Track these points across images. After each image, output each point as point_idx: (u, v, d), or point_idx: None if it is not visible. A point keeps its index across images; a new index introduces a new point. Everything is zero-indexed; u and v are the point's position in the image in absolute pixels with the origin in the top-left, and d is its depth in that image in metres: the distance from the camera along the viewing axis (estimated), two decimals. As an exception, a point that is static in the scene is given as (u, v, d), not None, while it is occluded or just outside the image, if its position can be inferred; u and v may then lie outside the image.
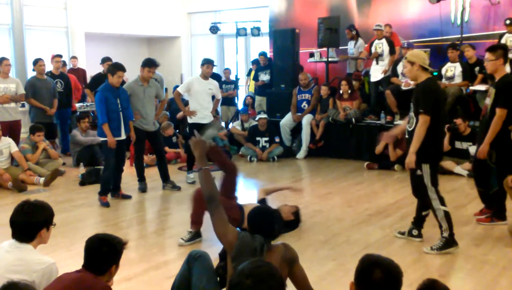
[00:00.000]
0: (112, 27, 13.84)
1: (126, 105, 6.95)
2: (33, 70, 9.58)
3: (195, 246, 5.05)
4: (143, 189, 7.61)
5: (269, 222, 3.38)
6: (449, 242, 4.83)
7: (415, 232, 5.23)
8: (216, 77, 12.91)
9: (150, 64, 7.37)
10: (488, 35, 9.98)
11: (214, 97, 8.31)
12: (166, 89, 14.56)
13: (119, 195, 7.15)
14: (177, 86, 11.97)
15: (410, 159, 4.76)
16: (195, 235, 5.32)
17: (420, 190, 4.97)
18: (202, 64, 8.05)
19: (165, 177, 7.76)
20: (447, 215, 4.82)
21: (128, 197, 7.17)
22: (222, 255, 3.54)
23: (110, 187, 7.00)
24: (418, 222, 5.23)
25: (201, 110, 7.98)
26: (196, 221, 5.31)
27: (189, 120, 8.11)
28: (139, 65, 12.96)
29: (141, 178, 7.68)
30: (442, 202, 4.84)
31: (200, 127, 8.10)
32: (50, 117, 9.50)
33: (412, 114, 4.84)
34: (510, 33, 9.15)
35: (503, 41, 9.12)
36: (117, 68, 6.79)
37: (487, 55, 5.45)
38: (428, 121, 4.65)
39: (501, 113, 5.30)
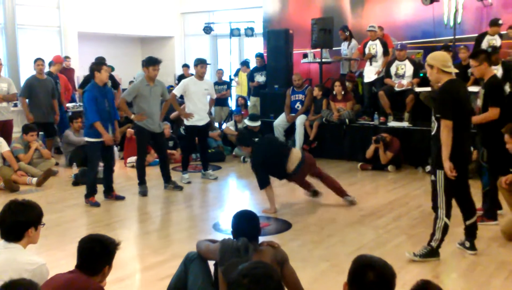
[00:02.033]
0: (105, 26, 13.81)
1: (112, 105, 6.82)
2: (34, 69, 9.56)
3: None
4: (143, 192, 7.38)
5: (251, 223, 3.44)
6: (433, 252, 4.73)
7: (467, 243, 4.94)
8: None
9: (153, 62, 7.21)
10: (481, 36, 10.01)
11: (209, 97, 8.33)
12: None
13: (112, 196, 7.06)
14: (170, 86, 11.99)
15: (448, 166, 4.48)
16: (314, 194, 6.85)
17: (434, 196, 4.77)
18: (196, 64, 8.02)
19: (167, 177, 7.68)
20: (445, 228, 4.68)
21: (121, 198, 7.09)
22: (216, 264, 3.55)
23: (96, 188, 6.87)
24: (468, 233, 4.94)
25: (198, 112, 7.94)
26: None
27: (186, 123, 8.08)
28: (132, 65, 12.94)
29: (142, 181, 7.45)
30: (448, 214, 4.67)
31: (198, 130, 8.09)
32: (48, 117, 9.47)
33: (433, 118, 4.67)
34: (492, 35, 9.22)
35: (484, 43, 9.18)
36: (101, 63, 6.69)
37: (471, 62, 5.63)
38: (449, 125, 4.45)
39: (494, 112, 5.42)
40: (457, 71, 4.80)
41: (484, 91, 5.59)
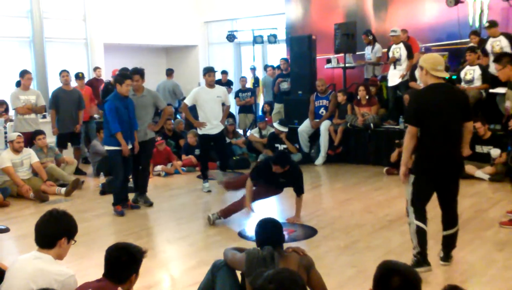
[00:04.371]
0: (130, 37, 14.01)
1: (132, 115, 6.88)
2: (60, 81, 9.75)
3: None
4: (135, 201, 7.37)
5: (274, 231, 3.45)
6: (419, 262, 4.36)
7: (440, 253, 4.68)
8: (228, 84, 13.00)
9: (133, 72, 7.11)
10: (507, 37, 9.85)
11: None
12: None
13: (127, 205, 7.07)
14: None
15: (401, 171, 4.49)
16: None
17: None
18: (204, 74, 8.00)
19: (142, 189, 7.45)
20: (419, 231, 4.39)
21: (136, 207, 7.14)
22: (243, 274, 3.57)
23: (122, 196, 6.96)
24: (444, 243, 4.67)
25: (210, 120, 7.90)
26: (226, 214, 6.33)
27: (199, 132, 8.08)
28: (158, 74, 13.15)
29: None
30: (420, 218, 4.42)
31: (212, 139, 8.03)
32: (73, 127, 9.60)
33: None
34: (494, 37, 9.14)
35: (488, 46, 9.14)
36: (124, 77, 6.75)
37: (495, 66, 5.63)
38: (411, 131, 4.40)
39: None
40: (447, 75, 4.64)
41: None
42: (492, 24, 9.21)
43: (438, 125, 4.37)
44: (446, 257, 4.63)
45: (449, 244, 4.62)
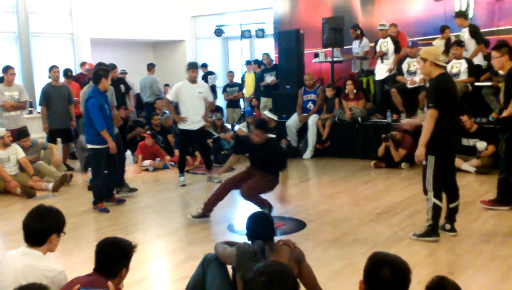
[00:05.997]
0: (117, 32, 13.93)
1: (110, 110, 6.80)
2: (49, 77, 9.65)
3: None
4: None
5: (266, 225, 3.48)
6: (429, 232, 5.07)
7: (447, 226, 5.26)
8: (209, 73, 12.84)
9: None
10: (493, 31, 9.94)
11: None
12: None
13: (114, 199, 7.02)
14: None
15: (420, 151, 4.96)
16: (203, 216, 6.10)
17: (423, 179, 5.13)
18: (188, 69, 7.98)
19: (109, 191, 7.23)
20: (435, 208, 5.02)
21: (122, 201, 7.10)
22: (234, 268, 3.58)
23: (103, 195, 6.84)
24: (449, 215, 5.29)
25: (191, 116, 7.87)
26: (208, 208, 6.10)
27: (180, 126, 8.03)
28: (145, 69, 13.05)
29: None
30: (438, 196, 5.02)
31: (191, 134, 8.01)
32: (65, 123, 9.51)
33: (425, 109, 5.06)
34: (464, 27, 9.30)
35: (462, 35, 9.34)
36: (109, 71, 6.65)
37: (493, 53, 5.77)
38: (435, 114, 4.83)
39: None
40: (446, 65, 5.01)
41: (505, 82, 5.69)
42: (459, 14, 9.32)
43: (455, 107, 5.05)
44: (453, 228, 5.24)
45: (453, 216, 5.25)
